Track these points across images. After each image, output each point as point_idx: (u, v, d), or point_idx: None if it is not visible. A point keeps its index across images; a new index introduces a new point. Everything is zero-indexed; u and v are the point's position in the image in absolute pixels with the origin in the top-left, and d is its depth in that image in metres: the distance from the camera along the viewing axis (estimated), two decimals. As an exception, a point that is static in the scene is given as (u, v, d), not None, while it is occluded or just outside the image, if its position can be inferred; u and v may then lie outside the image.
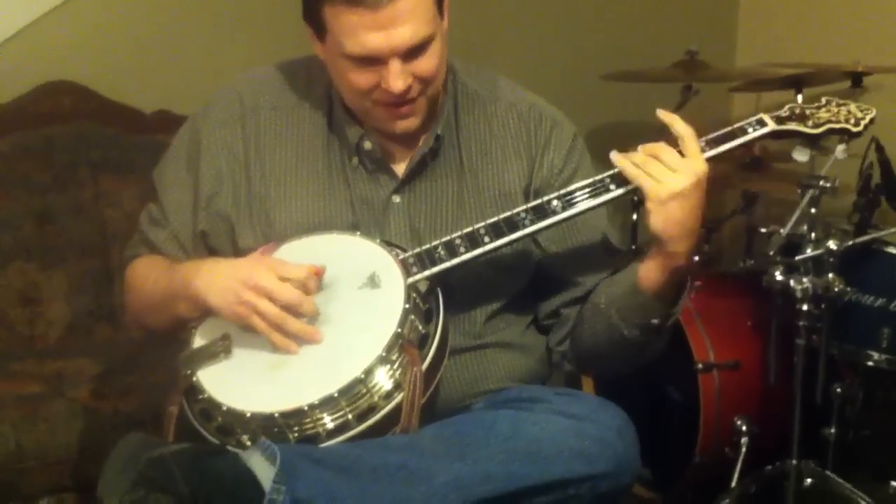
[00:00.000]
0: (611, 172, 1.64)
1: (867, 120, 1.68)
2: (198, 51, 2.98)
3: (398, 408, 1.52)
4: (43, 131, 2.73)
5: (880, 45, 3.36)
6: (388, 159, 1.73)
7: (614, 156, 1.62)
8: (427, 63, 1.61)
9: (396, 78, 1.58)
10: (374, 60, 1.57)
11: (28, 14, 2.75)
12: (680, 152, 1.61)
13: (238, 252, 1.72)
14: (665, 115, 1.65)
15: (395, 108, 1.64)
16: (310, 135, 1.74)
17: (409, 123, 1.68)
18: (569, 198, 1.63)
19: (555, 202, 1.63)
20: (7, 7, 2.73)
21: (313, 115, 1.74)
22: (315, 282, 1.59)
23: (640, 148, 1.62)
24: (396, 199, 1.73)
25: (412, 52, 1.58)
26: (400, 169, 1.73)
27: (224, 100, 1.78)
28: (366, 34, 1.54)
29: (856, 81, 2.79)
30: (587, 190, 1.63)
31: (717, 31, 3.89)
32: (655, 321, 1.69)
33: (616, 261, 1.81)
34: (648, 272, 1.66)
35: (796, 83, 2.72)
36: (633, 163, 1.61)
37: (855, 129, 1.68)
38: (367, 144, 1.71)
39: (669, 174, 1.58)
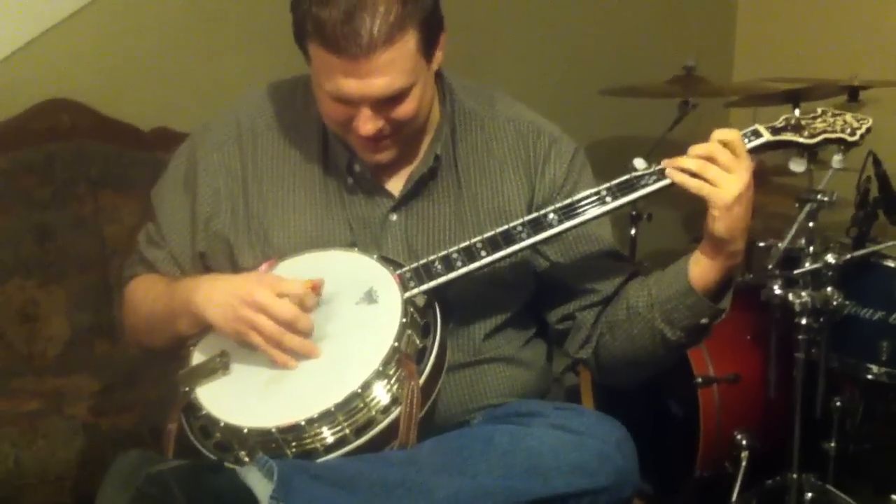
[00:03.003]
0: (608, 185, 1.64)
1: (863, 129, 1.67)
2: (196, 68, 2.98)
3: (396, 422, 1.52)
4: (42, 148, 2.73)
5: (877, 60, 3.37)
6: (382, 179, 1.74)
7: (669, 171, 1.60)
8: (402, 110, 1.61)
9: (365, 123, 1.59)
10: (347, 101, 1.58)
11: (27, 32, 2.76)
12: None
13: (237, 272, 1.71)
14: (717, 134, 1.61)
15: (367, 142, 1.65)
16: (306, 154, 1.74)
17: (381, 157, 1.68)
18: (565, 211, 1.63)
19: (551, 215, 1.63)
20: (6, 25, 2.74)
21: (310, 135, 1.75)
22: (313, 298, 1.60)
23: (690, 152, 1.60)
24: (393, 217, 1.73)
25: (386, 101, 1.58)
26: (395, 187, 1.74)
27: (221, 121, 1.78)
28: (340, 79, 1.55)
29: (852, 96, 2.80)
30: (584, 203, 1.63)
31: (714, 46, 3.90)
32: (705, 320, 1.68)
33: (627, 267, 1.80)
34: (705, 273, 1.64)
35: (793, 98, 2.73)
36: (689, 173, 1.58)
37: (851, 139, 1.67)
38: (357, 167, 1.71)
39: (727, 177, 1.57)
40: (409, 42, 1.55)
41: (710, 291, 1.66)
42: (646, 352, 1.72)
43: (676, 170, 1.59)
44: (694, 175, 1.58)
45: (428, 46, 1.59)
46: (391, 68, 1.54)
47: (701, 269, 1.65)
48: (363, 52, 1.51)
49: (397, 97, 1.58)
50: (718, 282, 1.65)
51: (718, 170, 1.57)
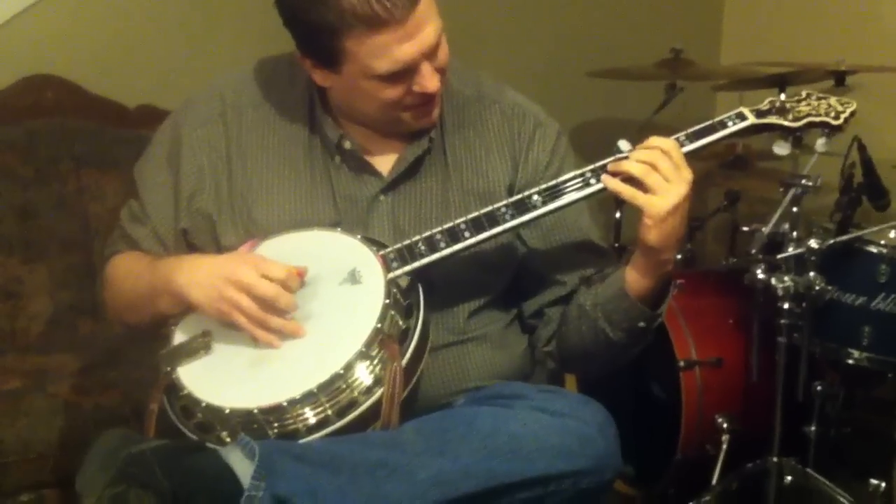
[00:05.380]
0: (592, 167, 1.64)
1: (847, 113, 1.68)
2: (182, 45, 2.97)
3: (378, 403, 1.52)
4: (25, 125, 2.72)
5: (864, 45, 3.38)
6: (370, 157, 1.73)
7: (605, 179, 1.61)
8: (443, 53, 1.63)
9: (431, 78, 1.60)
10: (404, 71, 1.58)
11: (11, 7, 2.74)
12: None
13: (220, 250, 1.71)
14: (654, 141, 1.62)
15: (424, 108, 1.66)
16: (292, 132, 1.74)
17: (434, 114, 1.70)
18: (549, 192, 1.63)
19: (535, 197, 1.63)
20: (-10, 1, 2.72)
21: (295, 113, 1.74)
22: (297, 280, 1.59)
23: (633, 156, 1.60)
24: (381, 197, 1.73)
25: (433, 50, 1.60)
26: (383, 167, 1.73)
27: (205, 97, 1.77)
28: (397, 48, 1.55)
29: (839, 81, 2.79)
30: (568, 185, 1.64)
31: (701, 29, 3.90)
32: (642, 324, 1.69)
33: (599, 260, 1.81)
34: (637, 278, 1.66)
35: (780, 82, 2.73)
36: (628, 177, 1.59)
37: (835, 123, 1.67)
38: (347, 144, 1.71)
39: (665, 187, 1.58)
40: None
41: (645, 297, 1.68)
42: (595, 348, 1.74)
43: (611, 176, 1.61)
44: (633, 181, 1.59)
45: None
46: (429, 14, 1.57)
47: (634, 275, 1.67)
48: (409, 10, 1.53)
49: (439, 42, 1.60)
50: (653, 288, 1.67)
51: (659, 177, 1.58)
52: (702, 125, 1.68)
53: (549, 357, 1.85)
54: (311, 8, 1.54)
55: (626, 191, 1.60)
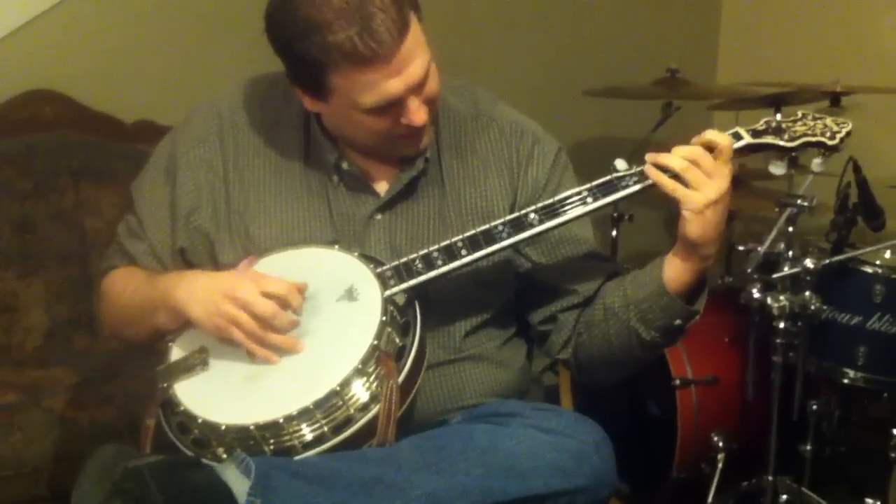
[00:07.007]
0: (589, 185, 1.64)
1: (843, 133, 1.68)
2: (179, 61, 2.97)
3: (374, 420, 1.52)
4: (24, 139, 2.72)
5: (859, 66, 3.39)
6: (368, 177, 1.74)
7: (648, 168, 1.60)
8: (431, 86, 1.62)
9: (418, 112, 1.60)
10: (391, 105, 1.58)
11: (9, 23, 2.74)
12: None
13: (217, 268, 1.71)
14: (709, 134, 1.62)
15: (413, 138, 1.66)
16: (288, 150, 1.74)
17: (425, 141, 1.70)
18: (546, 211, 1.63)
19: (532, 215, 1.63)
20: (-11, 15, 2.73)
21: (291, 131, 1.75)
22: (297, 297, 1.59)
23: (675, 151, 1.59)
24: (378, 216, 1.73)
25: (421, 84, 1.60)
26: (380, 186, 1.74)
27: (203, 116, 1.78)
28: (383, 84, 1.55)
29: (834, 101, 2.81)
30: (565, 203, 1.63)
31: (698, 49, 3.91)
32: (678, 322, 1.69)
33: (608, 268, 1.81)
34: (678, 275, 1.65)
35: (776, 102, 2.74)
36: (669, 172, 1.58)
37: (831, 143, 1.67)
38: (345, 165, 1.71)
39: (705, 181, 1.57)
40: (413, 19, 1.57)
41: (683, 293, 1.67)
42: (622, 351, 1.73)
43: (655, 167, 1.60)
44: (674, 175, 1.59)
45: (419, 20, 1.61)
46: (417, 49, 1.56)
47: (674, 271, 1.66)
48: (394, 48, 1.52)
49: (427, 75, 1.60)
50: (691, 283, 1.67)
51: (700, 173, 1.57)
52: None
53: (563, 365, 1.84)
54: (298, 42, 1.55)
55: (668, 183, 1.59)
